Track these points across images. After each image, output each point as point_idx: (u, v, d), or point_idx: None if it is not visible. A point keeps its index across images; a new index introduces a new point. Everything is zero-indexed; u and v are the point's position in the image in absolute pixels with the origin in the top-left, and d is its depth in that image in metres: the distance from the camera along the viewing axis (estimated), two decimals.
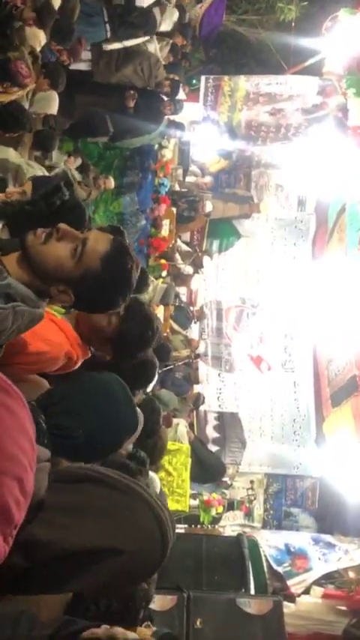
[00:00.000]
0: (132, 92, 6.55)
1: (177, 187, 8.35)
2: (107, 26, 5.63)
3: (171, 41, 7.33)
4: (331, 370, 7.82)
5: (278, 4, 8.62)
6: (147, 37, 6.40)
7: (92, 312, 1.87)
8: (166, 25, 6.83)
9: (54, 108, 4.67)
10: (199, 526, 6.72)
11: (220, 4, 9.06)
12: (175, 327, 7.35)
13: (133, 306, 2.05)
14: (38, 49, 4.07)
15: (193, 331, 8.41)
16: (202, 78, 8.86)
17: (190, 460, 5.96)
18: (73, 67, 5.67)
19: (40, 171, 4.27)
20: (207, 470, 6.62)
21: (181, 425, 6.15)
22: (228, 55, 9.55)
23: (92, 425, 1.30)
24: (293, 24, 8.60)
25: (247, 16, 9.27)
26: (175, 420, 6.05)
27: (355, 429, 6.25)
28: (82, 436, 1.25)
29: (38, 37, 4.08)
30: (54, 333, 1.79)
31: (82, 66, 5.88)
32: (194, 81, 8.95)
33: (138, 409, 1.66)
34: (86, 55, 5.81)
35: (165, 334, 6.51)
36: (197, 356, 7.96)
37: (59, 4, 4.52)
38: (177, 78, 7.30)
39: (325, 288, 8.24)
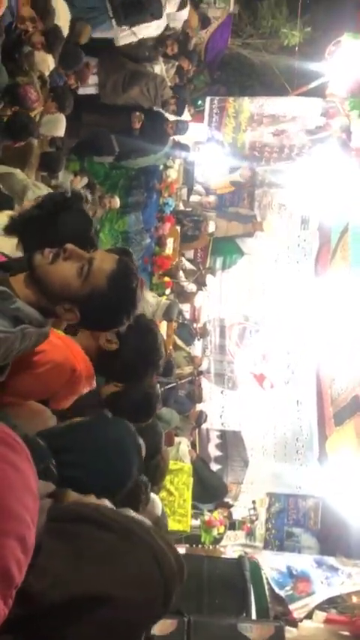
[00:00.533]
0: (138, 114, 6.67)
1: (181, 206, 8.44)
2: (113, 21, 5.56)
3: (177, 63, 7.47)
4: (334, 389, 7.81)
5: (282, 30, 8.79)
6: (157, 22, 6.19)
7: (97, 330, 1.91)
8: (171, 7, 6.74)
9: (61, 130, 4.76)
10: (200, 546, 6.66)
11: (226, 29, 9.25)
12: (179, 343, 7.38)
13: (139, 322, 2.06)
14: (47, 73, 4.17)
15: (197, 348, 8.43)
16: (207, 99, 9.00)
17: (192, 480, 5.93)
18: (81, 90, 5.79)
19: (46, 191, 4.34)
20: (209, 490, 6.59)
21: (183, 444, 6.13)
22: (233, 77, 9.70)
23: (104, 480, 1.41)
24: (297, 48, 8.76)
25: (251, 40, 9.45)
26: (177, 439, 6.04)
27: (358, 448, 6.22)
28: (92, 486, 1.33)
29: (47, 62, 4.17)
30: (55, 340, 1.81)
31: (90, 89, 5.98)
32: (199, 102, 9.09)
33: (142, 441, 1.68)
34: (93, 79, 5.91)
35: (168, 351, 6.54)
36: (200, 373, 7.97)
37: (67, 29, 4.63)
38: (183, 98, 7.42)
39: (328, 307, 8.26)
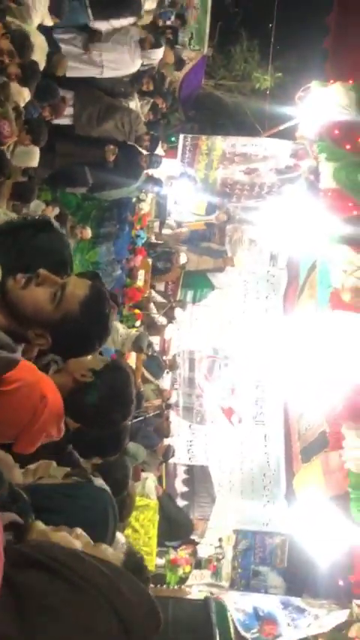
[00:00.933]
0: (112, 147, 6.73)
1: (153, 239, 8.50)
2: (89, 10, 5.56)
3: (152, 100, 7.63)
4: (302, 425, 7.82)
5: (254, 74, 9.13)
6: (133, 19, 6.28)
7: (68, 356, 1.86)
8: (149, 4, 6.85)
9: (34, 161, 4.76)
10: (165, 586, 6.46)
11: (199, 70, 9.55)
12: (147, 375, 7.31)
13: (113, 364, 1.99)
14: (22, 105, 4.18)
15: (166, 381, 8.36)
16: (181, 136, 9.19)
17: (157, 517, 5.79)
18: (56, 120, 5.83)
19: None
20: (175, 527, 6.44)
21: (149, 479, 6.00)
22: (206, 116, 9.97)
23: None
24: (268, 91, 9.09)
25: (224, 81, 9.77)
26: (143, 474, 5.91)
27: (325, 485, 6.20)
28: None
29: (22, 95, 4.19)
30: (27, 364, 1.73)
31: (65, 120, 6.03)
32: (173, 139, 9.28)
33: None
34: (68, 110, 5.97)
35: (137, 383, 6.45)
36: (169, 406, 7.89)
37: (44, 63, 4.68)
38: (156, 134, 7.56)
39: (296, 343, 8.35)
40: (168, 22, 7.69)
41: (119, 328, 6.19)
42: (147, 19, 7.12)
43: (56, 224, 2.18)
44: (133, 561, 2.07)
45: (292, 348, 8.48)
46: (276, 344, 9.05)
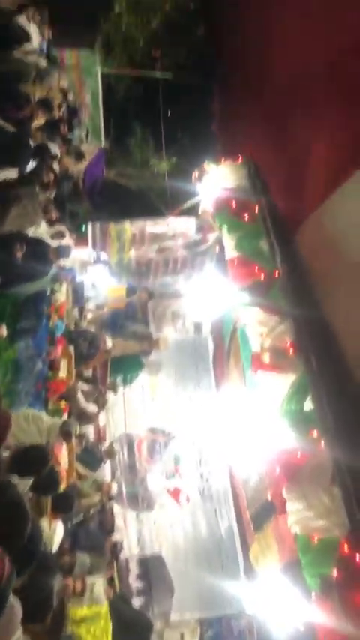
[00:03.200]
0: (19, 245, 6.72)
1: (73, 327, 8.42)
2: None
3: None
4: (248, 492, 7.67)
5: (151, 160, 9.64)
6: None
7: None
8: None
9: None
10: None
11: (98, 160, 9.99)
12: (83, 470, 6.97)
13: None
14: None
15: (105, 471, 8.01)
16: (89, 225, 9.40)
17: (110, 623, 5.35)
18: None
19: None
20: (132, 630, 5.95)
21: (97, 584, 5.58)
22: (111, 203, 10.30)
23: None
24: (166, 174, 9.59)
25: (125, 170, 10.24)
26: (89, 580, 5.50)
27: (279, 553, 6.01)
28: None
29: None
30: None
31: None
32: (83, 229, 9.46)
33: None
34: None
35: (70, 480, 6.11)
36: (110, 499, 7.51)
37: None
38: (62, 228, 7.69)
39: (231, 409, 8.35)
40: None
41: (43, 417, 5.88)
42: (40, 121, 7.41)
43: None
44: None
45: (228, 416, 8.46)
46: (212, 414, 9.01)
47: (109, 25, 10.16)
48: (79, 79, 10.41)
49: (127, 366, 9.61)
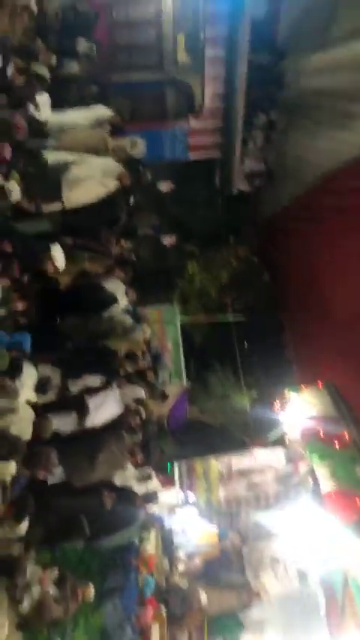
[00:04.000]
0: (109, 493, 6.55)
1: (164, 583, 7.69)
2: None
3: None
4: None
5: (231, 394, 9.89)
6: None
7: None
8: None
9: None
10: None
11: (183, 401, 10.37)
12: None
13: None
14: (8, 480, 4.22)
15: None
16: (175, 464, 9.30)
17: None
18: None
19: None
20: None
21: None
22: (196, 440, 10.33)
23: None
24: (248, 407, 9.71)
25: (206, 405, 10.52)
26: None
27: None
28: None
29: (9, 469, 4.27)
30: None
31: (55, 479, 6.02)
32: (169, 470, 9.36)
33: None
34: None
35: None
36: None
37: (30, 433, 4.96)
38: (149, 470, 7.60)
39: None
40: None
41: None
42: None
43: None
44: None
45: None
46: None
47: (184, 281, 11.58)
48: (161, 329, 11.48)
49: (226, 626, 8.38)
